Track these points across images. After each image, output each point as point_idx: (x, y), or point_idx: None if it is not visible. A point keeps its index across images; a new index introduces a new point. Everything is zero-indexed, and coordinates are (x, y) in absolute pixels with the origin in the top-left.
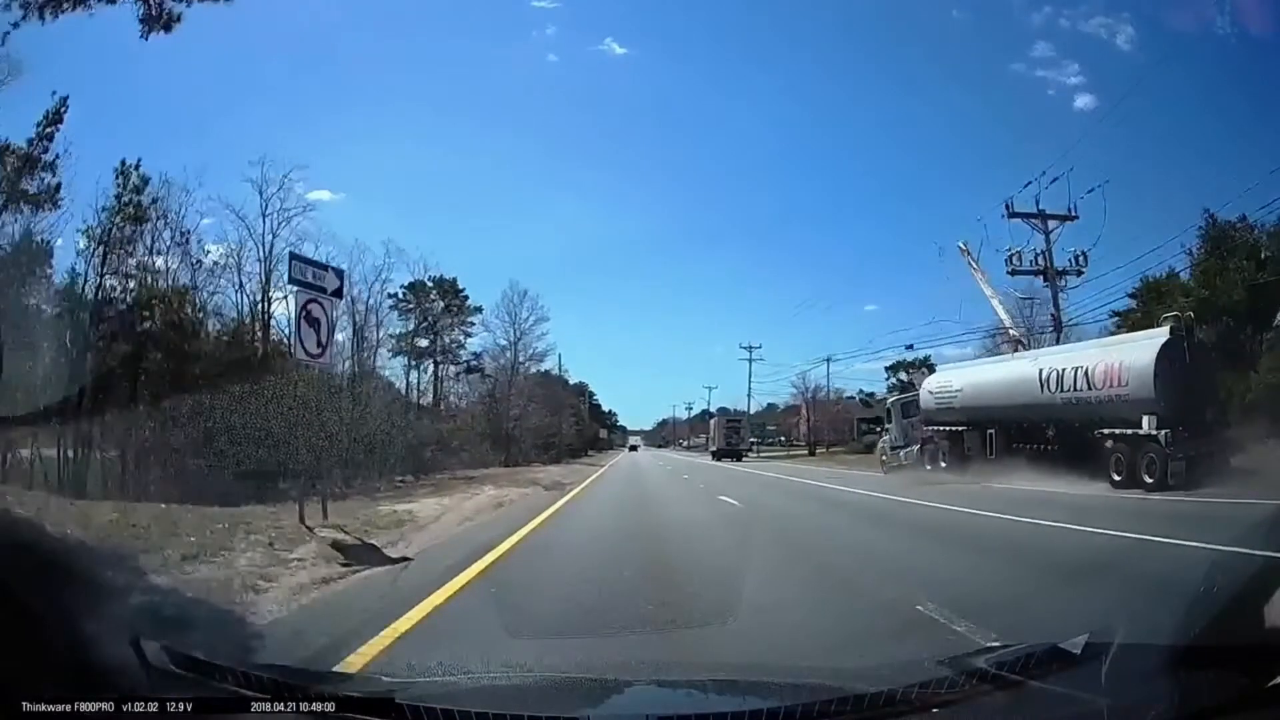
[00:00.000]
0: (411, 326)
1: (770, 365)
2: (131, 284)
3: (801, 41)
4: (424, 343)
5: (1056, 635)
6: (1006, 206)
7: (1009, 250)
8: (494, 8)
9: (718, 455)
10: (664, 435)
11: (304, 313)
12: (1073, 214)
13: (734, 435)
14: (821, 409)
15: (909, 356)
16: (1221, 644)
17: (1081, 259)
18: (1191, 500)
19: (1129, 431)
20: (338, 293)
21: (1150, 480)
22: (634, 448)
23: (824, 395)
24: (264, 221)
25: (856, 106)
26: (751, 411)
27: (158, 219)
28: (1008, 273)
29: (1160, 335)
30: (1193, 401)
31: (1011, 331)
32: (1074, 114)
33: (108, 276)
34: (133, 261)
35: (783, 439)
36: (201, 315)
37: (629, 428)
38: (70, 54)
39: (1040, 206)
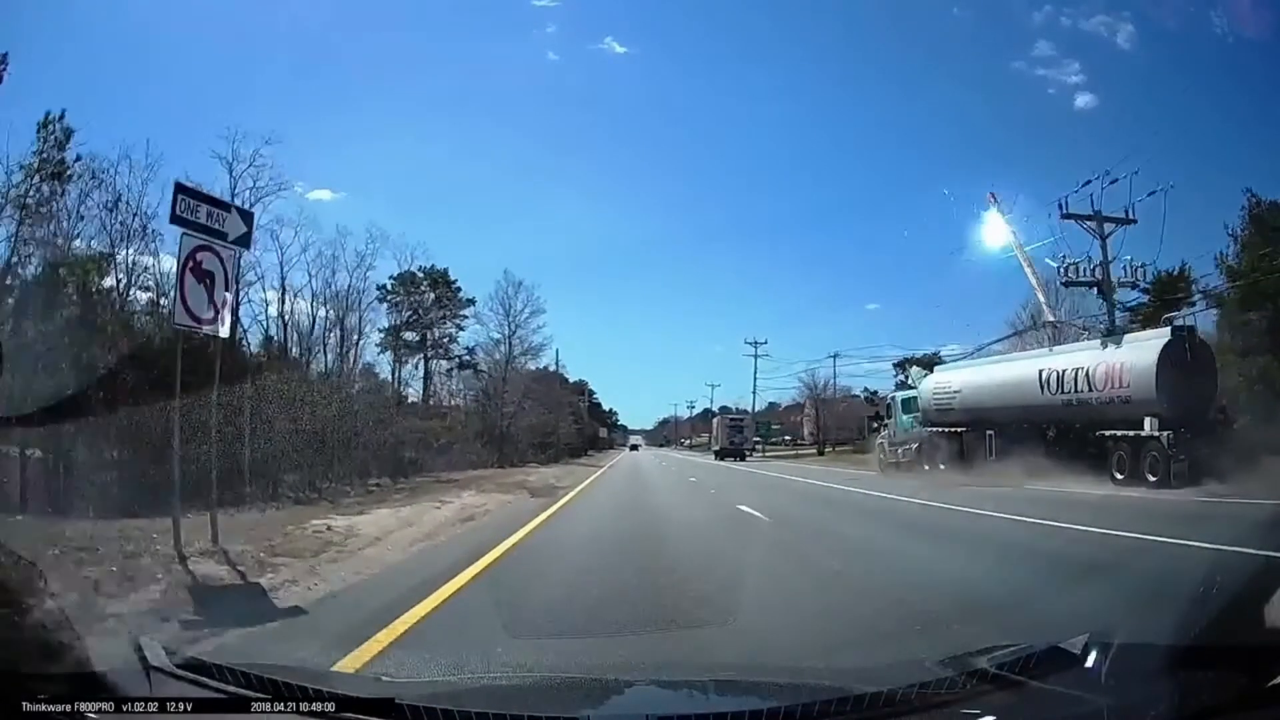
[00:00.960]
0: (400, 319)
1: (772, 362)
2: (41, 252)
3: (801, 39)
4: (413, 337)
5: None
6: (1060, 206)
7: (1063, 260)
8: (495, 6)
9: (721, 454)
10: (665, 434)
11: (191, 262)
12: (1131, 217)
13: (737, 434)
14: (828, 407)
15: (917, 353)
16: (1221, 644)
17: (1140, 271)
18: (1193, 500)
19: (1131, 433)
20: (243, 240)
21: (1154, 479)
22: (635, 447)
23: (829, 393)
24: (233, 200)
25: (856, 105)
26: (754, 410)
27: (89, 181)
28: (1061, 284)
29: (1161, 336)
30: (1195, 401)
31: (1048, 315)
32: (1075, 113)
33: (21, 243)
34: (52, 228)
35: (787, 438)
36: (158, 297)
37: (630, 427)
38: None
39: (1096, 207)
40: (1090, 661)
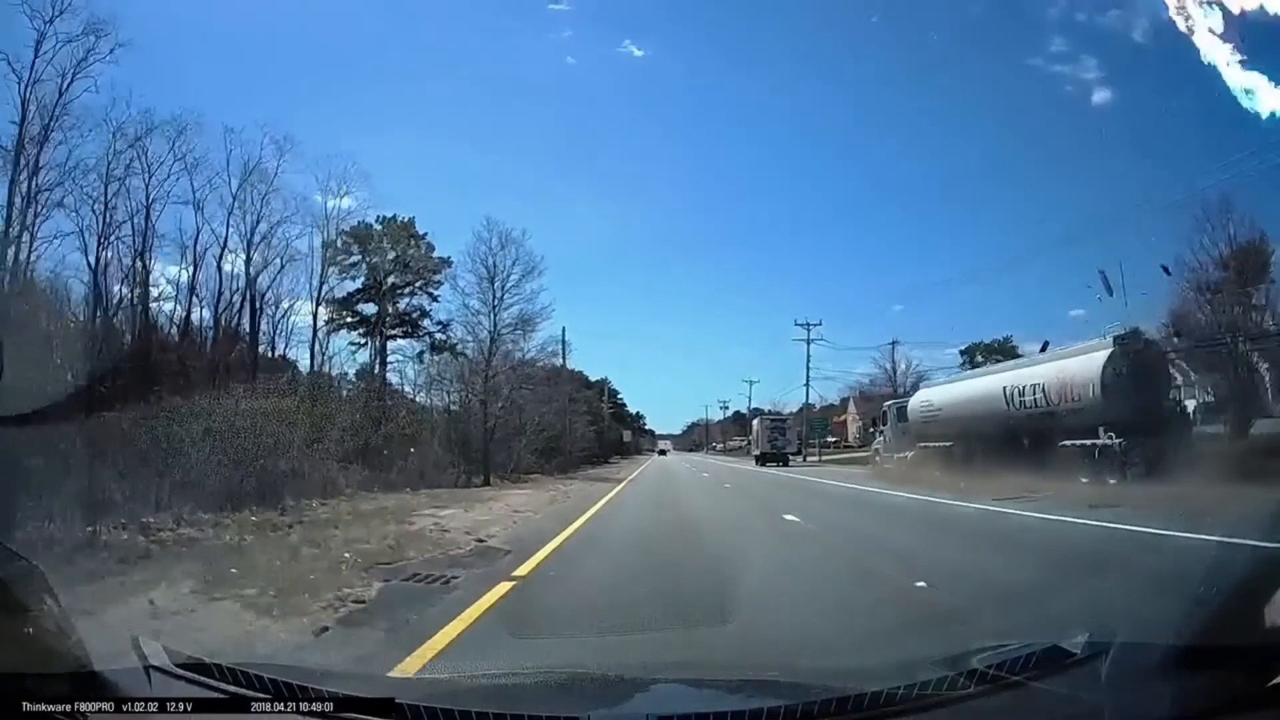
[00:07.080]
0: (328, 272)
1: (816, 348)
2: None
3: (811, 36)
4: (374, 311)
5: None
6: None
7: None
8: (511, 10)
9: (762, 459)
10: (694, 438)
11: None
12: None
13: (780, 436)
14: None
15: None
16: (1221, 644)
17: None
18: (1144, 497)
19: (1089, 442)
20: None
21: (1114, 484)
22: (663, 452)
23: (877, 390)
24: (36, 64)
25: (873, 102)
26: (790, 411)
27: None
28: None
29: (1104, 349)
30: (1145, 406)
31: None
32: (1092, 108)
33: None
34: None
35: (831, 439)
36: None
37: (658, 431)
38: None
39: None
40: (1090, 662)
